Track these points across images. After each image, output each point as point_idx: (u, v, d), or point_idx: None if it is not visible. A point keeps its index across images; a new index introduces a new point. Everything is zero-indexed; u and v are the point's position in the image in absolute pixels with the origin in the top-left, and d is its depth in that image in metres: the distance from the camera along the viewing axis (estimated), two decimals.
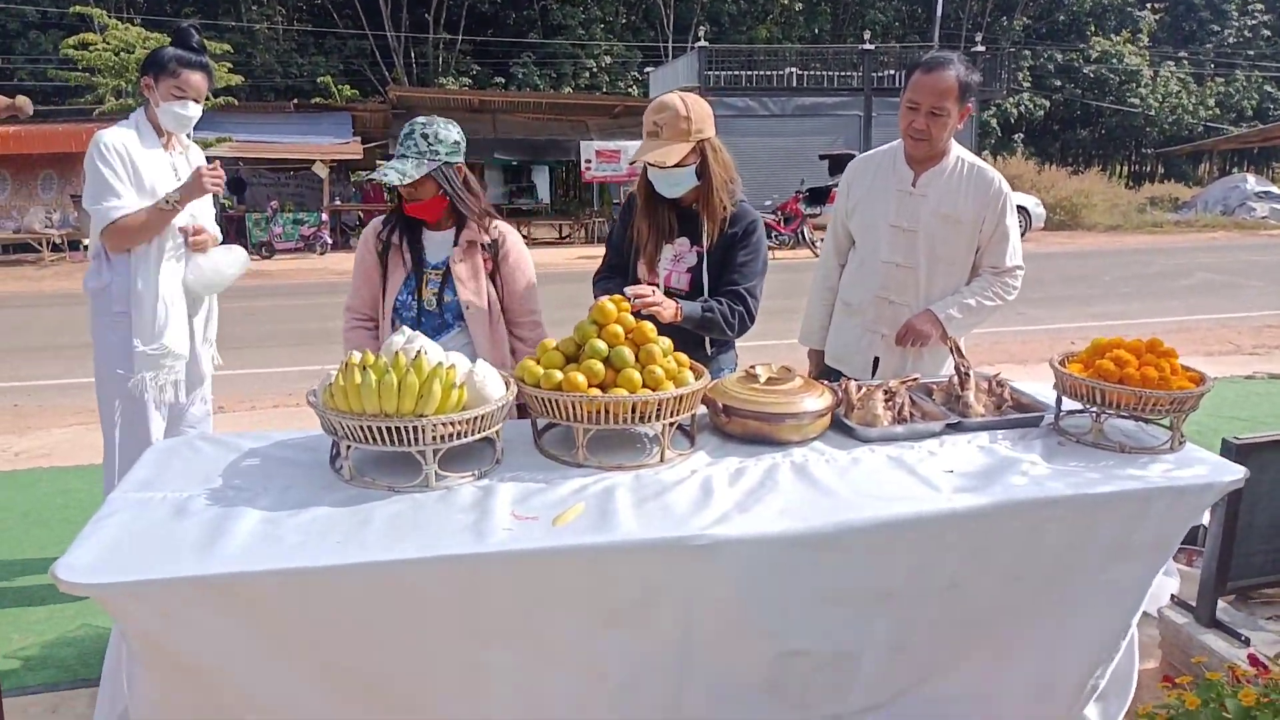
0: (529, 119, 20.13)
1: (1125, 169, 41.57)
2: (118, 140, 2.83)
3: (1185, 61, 39.62)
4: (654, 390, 1.96)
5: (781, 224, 16.50)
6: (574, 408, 1.90)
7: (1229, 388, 6.07)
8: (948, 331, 2.62)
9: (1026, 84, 37.15)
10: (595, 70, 34.40)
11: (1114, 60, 36.64)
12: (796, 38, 36.66)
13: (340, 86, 28.91)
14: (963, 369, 2.30)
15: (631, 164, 2.64)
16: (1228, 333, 8.52)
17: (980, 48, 23.71)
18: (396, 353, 1.81)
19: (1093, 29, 38.70)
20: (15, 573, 3.39)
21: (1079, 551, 1.89)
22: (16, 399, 6.43)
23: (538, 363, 2.00)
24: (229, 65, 17.46)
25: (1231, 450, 2.20)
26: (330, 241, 17.17)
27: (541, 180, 28.37)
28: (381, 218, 2.56)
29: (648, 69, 29.96)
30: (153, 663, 1.58)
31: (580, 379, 1.91)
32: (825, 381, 2.29)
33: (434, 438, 1.77)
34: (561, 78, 34.25)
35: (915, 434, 2.14)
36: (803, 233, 16.48)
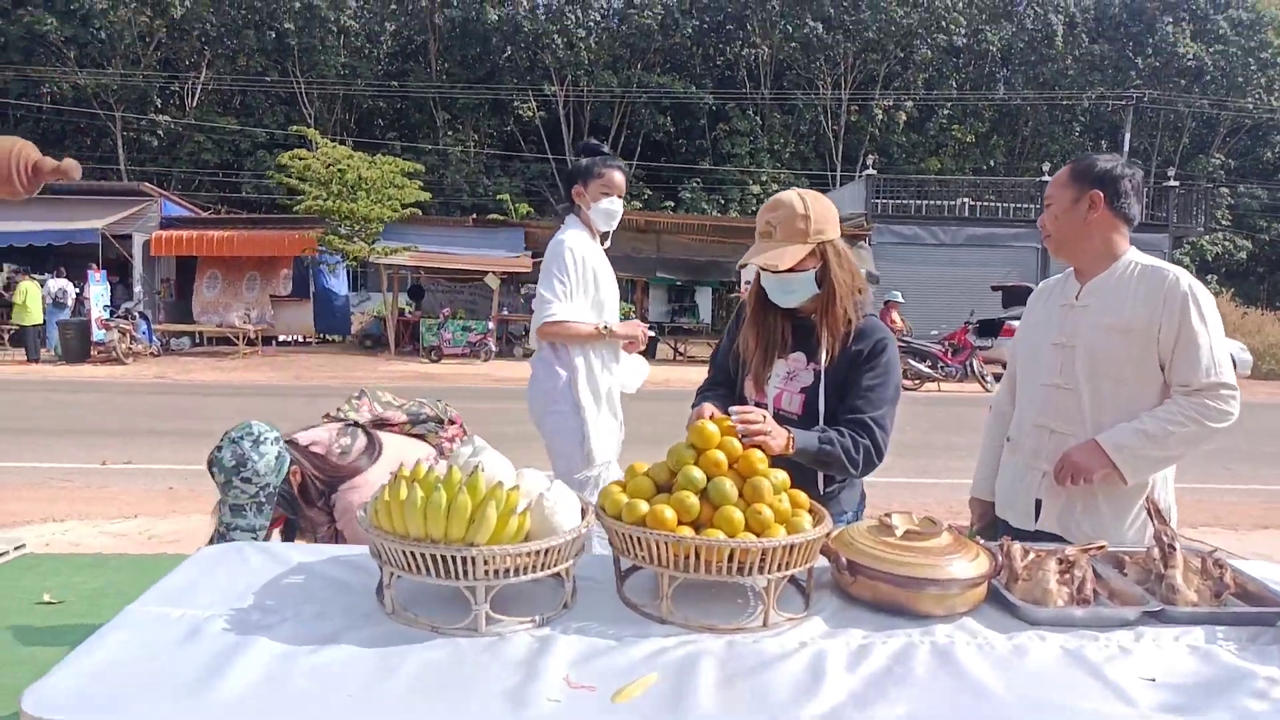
0: (690, 240, 20.43)
1: None
2: (579, 245, 3.11)
3: None
4: (759, 534, 1.60)
5: (949, 355, 15.68)
6: (658, 548, 1.57)
7: None
8: (1119, 466, 2.12)
9: (1226, 222, 34.72)
10: (761, 196, 35.05)
11: None
12: (970, 169, 36.10)
13: (518, 204, 30.72)
14: (1165, 539, 1.81)
15: (740, 267, 2.35)
16: None
17: (1174, 182, 22.33)
18: (452, 467, 1.55)
19: None
20: None
21: None
22: (175, 481, 6.69)
23: (624, 489, 1.69)
24: (420, 184, 18.77)
25: None
26: (494, 349, 17.76)
27: (704, 300, 28.68)
28: None
29: None
30: None
31: (668, 514, 1.59)
32: (982, 541, 1.85)
33: (486, 571, 1.48)
34: (728, 203, 35.11)
35: (1101, 620, 1.66)
36: (971, 365, 15.57)
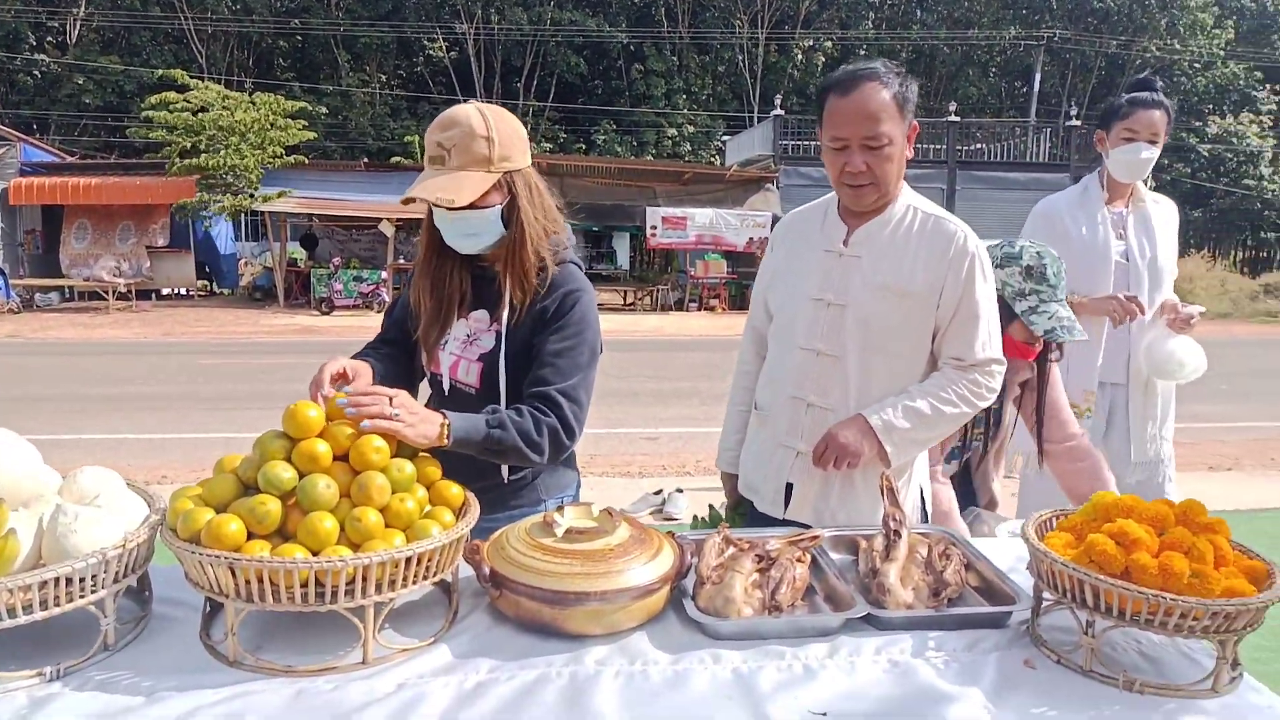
0: (597, 183, 19.84)
1: (1240, 254, 39.00)
2: (1061, 204, 2.99)
3: None
4: (357, 548, 1.26)
5: None
6: (213, 573, 1.21)
7: None
8: (886, 448, 1.83)
9: None
10: (677, 139, 34.47)
11: (1234, 140, 34.61)
12: None
13: None
14: (892, 524, 1.52)
15: (404, 202, 1.84)
16: None
17: (1075, 121, 22.53)
18: None
19: (1209, 109, 36.78)
20: None
21: None
22: None
23: (201, 492, 1.32)
24: (303, 123, 17.75)
25: None
26: (387, 299, 17.07)
27: (621, 246, 28.19)
28: None
29: (725, 136, 29.76)
30: None
31: (232, 527, 1.22)
32: (683, 535, 1.53)
33: None
34: (643, 146, 34.45)
35: (799, 631, 1.37)
36: None
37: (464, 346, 1.76)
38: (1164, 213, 2.98)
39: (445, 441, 1.50)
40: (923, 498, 2.04)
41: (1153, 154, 2.80)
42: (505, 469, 1.75)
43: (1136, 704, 1.22)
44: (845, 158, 1.81)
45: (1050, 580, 1.32)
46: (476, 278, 1.79)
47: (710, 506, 2.41)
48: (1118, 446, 3.00)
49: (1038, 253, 2.16)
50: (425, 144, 1.67)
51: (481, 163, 1.64)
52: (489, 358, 1.73)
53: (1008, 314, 2.14)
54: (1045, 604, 1.40)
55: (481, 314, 1.77)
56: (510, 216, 1.70)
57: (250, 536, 1.25)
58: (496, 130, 1.65)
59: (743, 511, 2.14)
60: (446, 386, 1.78)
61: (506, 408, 1.66)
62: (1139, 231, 2.93)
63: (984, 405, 1.88)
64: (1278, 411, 8.61)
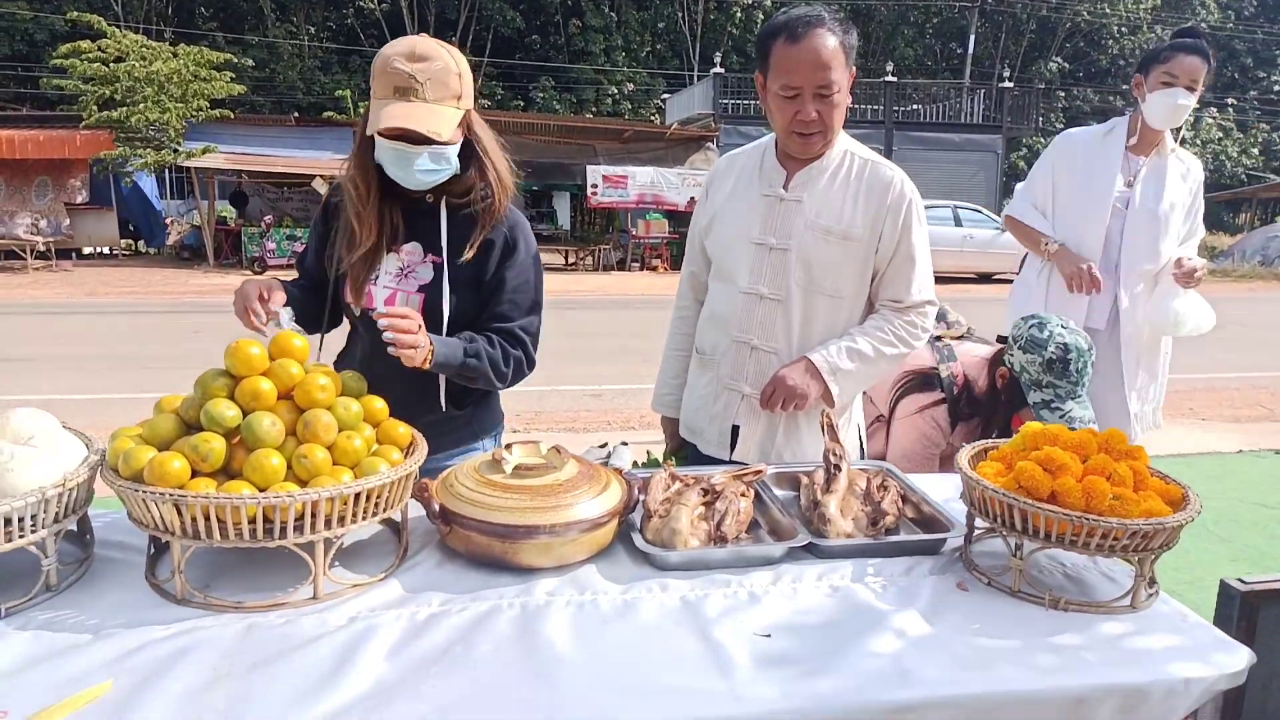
0: (535, 140, 19.53)
1: None
2: (1079, 138, 2.99)
3: (1230, 108, 38.54)
4: (304, 484, 1.25)
5: None
6: (157, 510, 1.19)
7: (1256, 464, 5.22)
8: (832, 389, 1.87)
9: (1060, 124, 36.29)
10: (617, 97, 34.10)
11: None
12: None
13: (361, 102, 28.69)
14: (833, 459, 1.57)
15: (378, 133, 1.76)
16: (1260, 394, 7.64)
17: (1008, 84, 22.90)
18: None
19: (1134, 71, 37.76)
20: None
21: None
22: None
23: (141, 432, 1.30)
24: (231, 75, 17.07)
25: (1234, 602, 1.42)
26: None
27: (562, 206, 27.84)
28: None
29: (665, 95, 29.55)
30: None
31: (175, 465, 1.21)
32: (623, 471, 1.56)
33: None
34: (583, 104, 34.01)
35: (743, 561, 1.41)
36: None
37: (398, 279, 1.76)
38: (1184, 169, 2.92)
39: (427, 365, 1.60)
40: (860, 438, 2.10)
41: (1190, 101, 2.73)
42: (446, 401, 1.78)
43: (1061, 620, 1.29)
44: (796, 106, 1.81)
45: (981, 506, 1.38)
46: (407, 210, 1.77)
47: (648, 453, 2.43)
48: (1102, 392, 2.90)
49: (1065, 344, 2.13)
50: (387, 72, 1.61)
51: (454, 98, 1.65)
52: (430, 289, 1.74)
53: (1019, 399, 2.17)
54: (977, 532, 1.47)
55: (414, 246, 1.77)
56: (470, 152, 1.71)
57: (194, 475, 1.23)
58: (464, 67, 1.67)
59: (684, 455, 2.18)
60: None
61: (476, 335, 1.73)
62: (1150, 181, 2.86)
63: (918, 345, 1.95)
64: (1194, 364, 8.99)
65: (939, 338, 2.45)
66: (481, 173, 1.73)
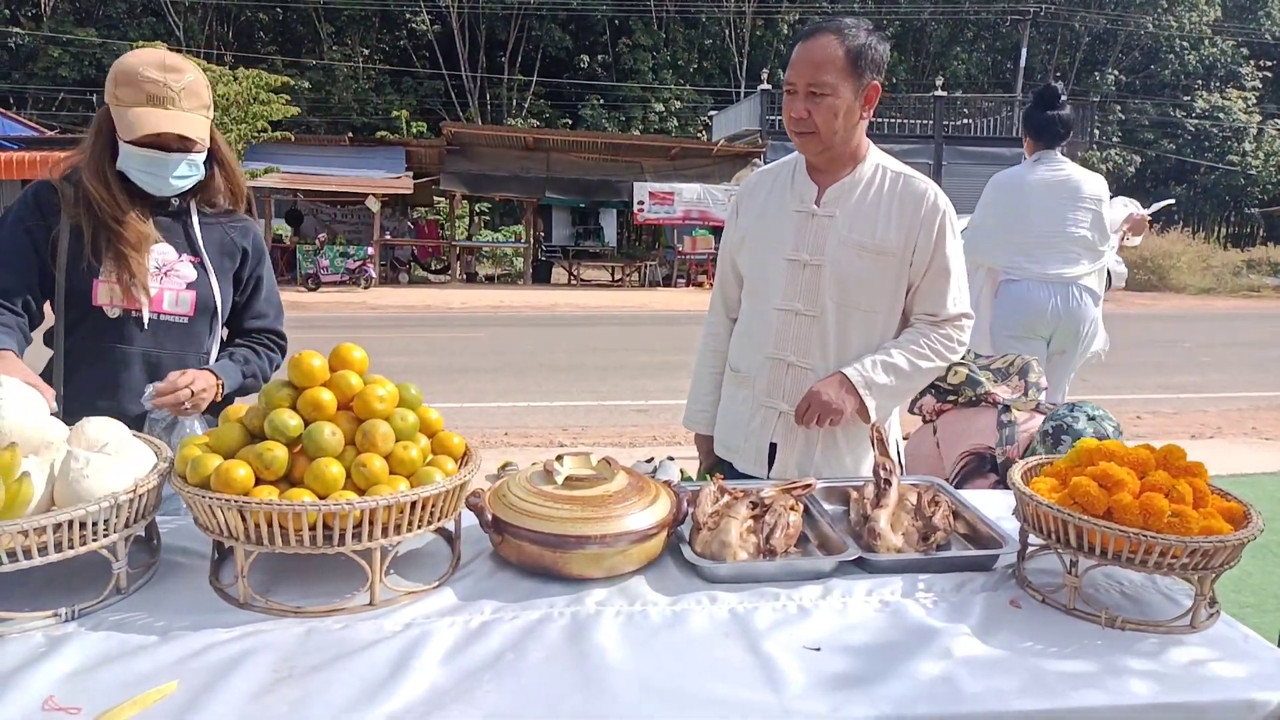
0: (584, 159, 19.73)
1: (1224, 229, 39.28)
2: None
3: None
4: (363, 492, 1.29)
5: None
6: (223, 516, 1.24)
7: None
8: (867, 403, 1.87)
9: (1116, 138, 35.62)
10: (664, 114, 34.26)
11: (1220, 116, 34.77)
12: None
13: (415, 123, 29.28)
14: (883, 473, 1.57)
15: (133, 141, 1.81)
16: None
17: (1063, 97, 22.52)
18: None
19: (1198, 85, 36.91)
20: None
21: None
22: None
23: (208, 440, 1.35)
24: (286, 98, 17.56)
25: None
26: (374, 276, 17.00)
27: (609, 223, 28.00)
28: None
29: (712, 112, 29.62)
30: None
31: (240, 472, 1.25)
32: (681, 484, 1.57)
33: None
34: (630, 121, 34.26)
35: (793, 574, 1.41)
36: None
37: (164, 277, 1.85)
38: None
39: (219, 398, 1.79)
40: (899, 452, 2.10)
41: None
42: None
43: (1118, 640, 1.26)
44: (791, 104, 1.87)
45: (1035, 523, 1.36)
46: (153, 213, 1.87)
47: (681, 472, 2.42)
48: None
49: (1095, 435, 2.16)
50: (139, 81, 1.72)
51: (204, 108, 1.81)
52: (199, 286, 1.88)
53: None
54: (1031, 548, 1.45)
55: (165, 248, 1.86)
56: (210, 158, 1.88)
57: (258, 482, 1.27)
58: (205, 79, 1.83)
59: (719, 473, 2.18)
60: (147, 319, 1.84)
61: (239, 346, 1.97)
62: None
63: (955, 359, 1.95)
64: (1257, 381, 8.73)
65: (1008, 408, 2.43)
66: (226, 177, 1.93)
